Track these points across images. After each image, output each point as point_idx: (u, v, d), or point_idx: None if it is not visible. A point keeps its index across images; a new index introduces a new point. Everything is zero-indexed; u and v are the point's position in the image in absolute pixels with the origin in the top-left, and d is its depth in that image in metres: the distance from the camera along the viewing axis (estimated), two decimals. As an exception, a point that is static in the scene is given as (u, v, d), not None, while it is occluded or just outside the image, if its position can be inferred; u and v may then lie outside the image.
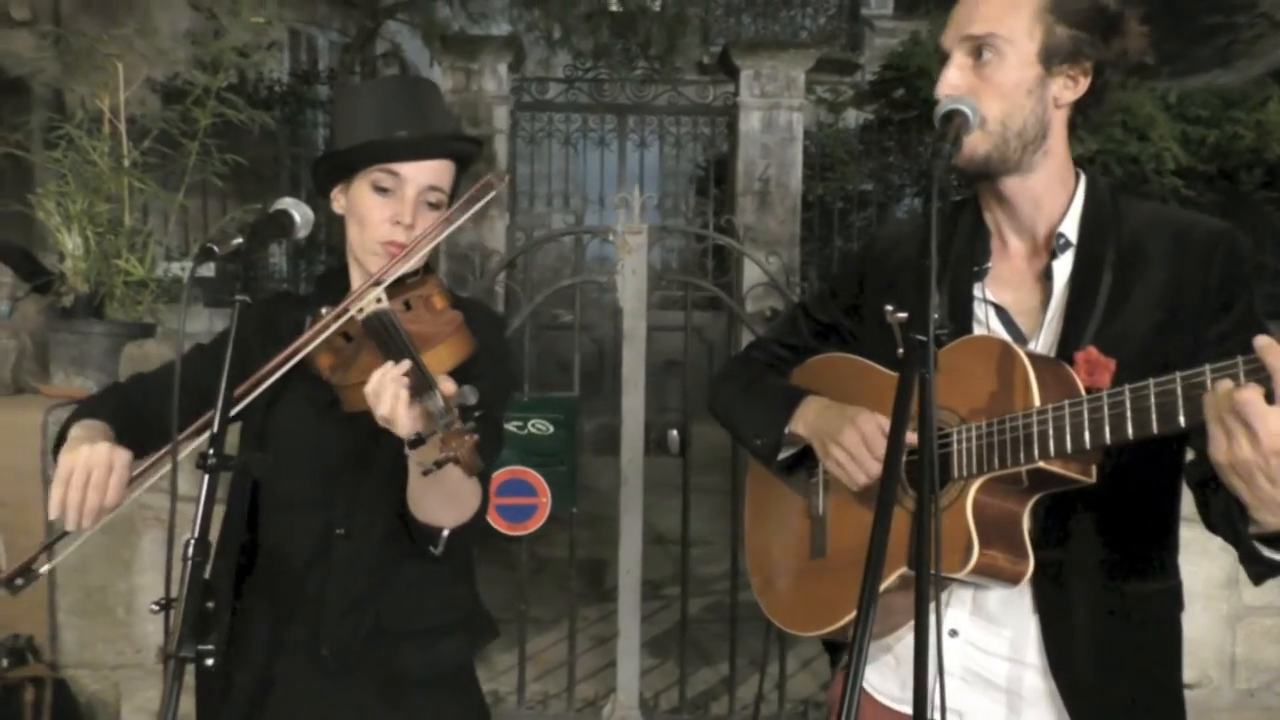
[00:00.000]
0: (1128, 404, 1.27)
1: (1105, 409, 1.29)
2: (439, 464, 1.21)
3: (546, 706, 3.50)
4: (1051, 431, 1.32)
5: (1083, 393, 1.34)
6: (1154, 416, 1.23)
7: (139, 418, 1.50)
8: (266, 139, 7.67)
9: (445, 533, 1.41)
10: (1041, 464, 1.33)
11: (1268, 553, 1.25)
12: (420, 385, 1.24)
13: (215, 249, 1.34)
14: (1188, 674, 3.02)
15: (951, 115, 1.40)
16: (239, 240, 1.37)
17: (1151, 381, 1.23)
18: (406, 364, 1.26)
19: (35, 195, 3.33)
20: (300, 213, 1.50)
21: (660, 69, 8.63)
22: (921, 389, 1.25)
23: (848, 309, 1.71)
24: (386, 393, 1.24)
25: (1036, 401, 1.34)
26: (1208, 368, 1.19)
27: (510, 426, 3.15)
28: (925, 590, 1.21)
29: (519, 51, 8.24)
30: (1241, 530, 1.26)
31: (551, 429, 3.15)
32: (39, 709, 3.00)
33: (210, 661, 1.19)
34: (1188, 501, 1.49)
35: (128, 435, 1.44)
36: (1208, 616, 3.10)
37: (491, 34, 8.45)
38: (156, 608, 1.24)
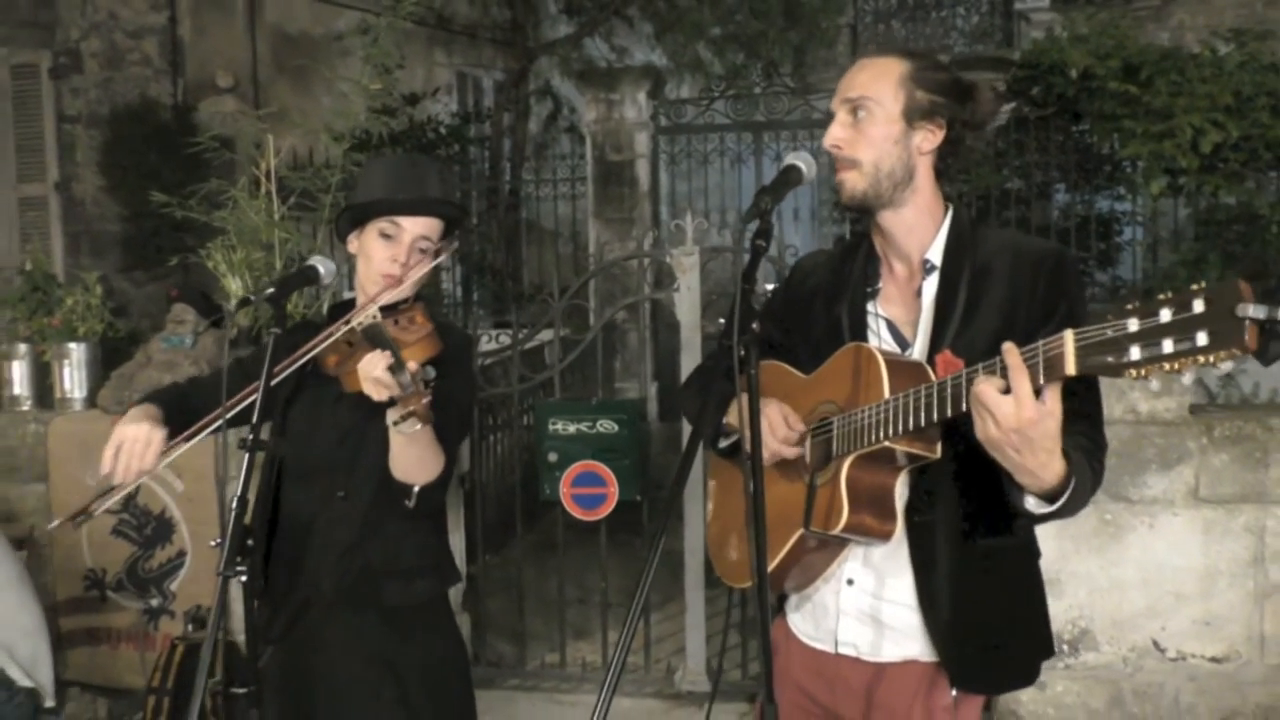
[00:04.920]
0: (935, 394, 1.62)
1: (921, 398, 1.63)
2: (404, 417, 1.73)
3: (629, 672, 3.97)
4: (892, 415, 1.67)
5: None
6: (948, 403, 1.55)
7: (187, 406, 2.06)
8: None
9: (416, 489, 1.92)
10: (887, 442, 1.68)
11: (1032, 505, 1.57)
12: (396, 365, 1.75)
13: (251, 298, 1.90)
14: (1215, 649, 3.22)
15: (788, 170, 1.79)
16: (270, 290, 1.92)
17: (954, 376, 1.56)
18: (388, 352, 1.77)
19: (206, 248, 4.10)
20: (325, 266, 2.05)
21: (793, 85, 8.93)
22: (748, 386, 1.65)
23: (777, 323, 2.09)
24: (373, 367, 1.76)
25: (886, 393, 1.70)
26: (966, 370, 1.54)
27: (581, 426, 3.66)
28: (762, 542, 1.61)
29: (657, 79, 8.73)
30: (1010, 490, 1.59)
31: (617, 428, 3.64)
32: (213, 664, 3.71)
33: (245, 579, 1.75)
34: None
35: (175, 418, 2.01)
36: (1233, 593, 3.23)
37: (629, 65, 8.99)
38: (213, 544, 1.81)
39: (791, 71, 8.82)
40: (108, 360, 4.39)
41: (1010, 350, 1.43)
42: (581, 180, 8.85)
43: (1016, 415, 1.42)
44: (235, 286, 4.00)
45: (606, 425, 3.62)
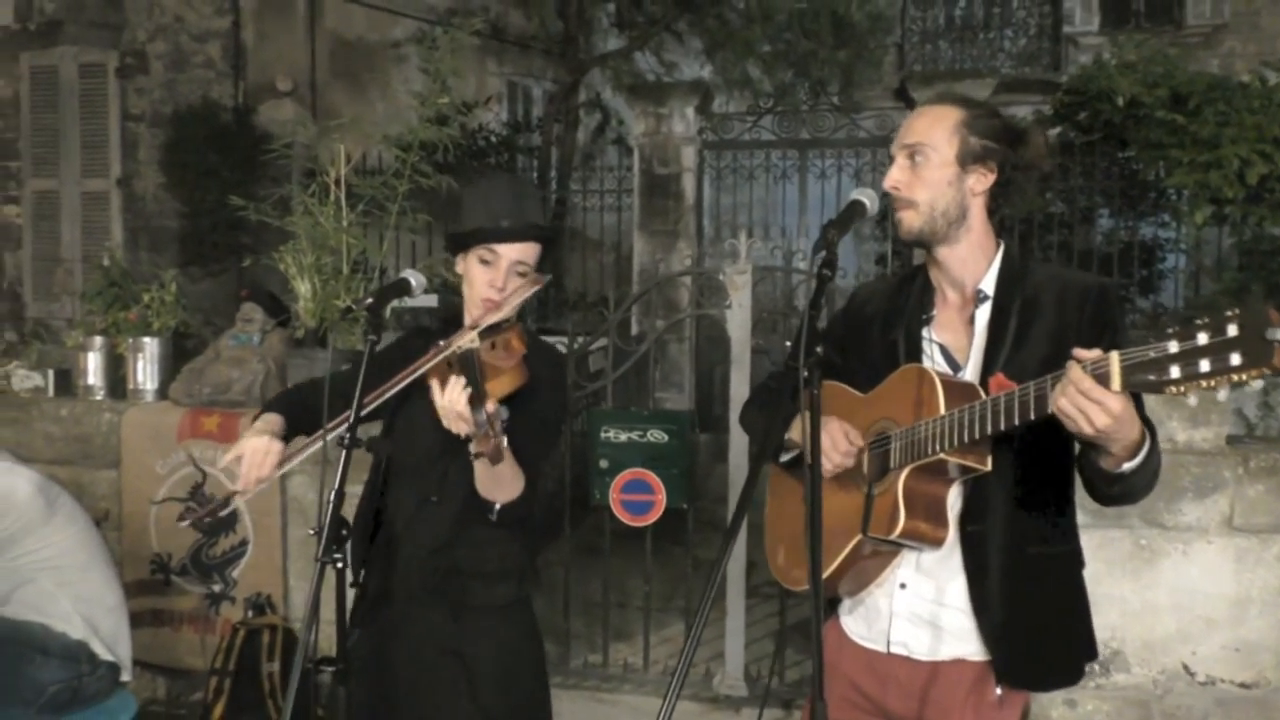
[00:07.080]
0: (988, 409, 1.76)
1: (976, 413, 1.77)
2: (475, 455, 1.86)
3: (669, 674, 4.10)
4: (948, 430, 1.81)
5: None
6: (1000, 417, 1.71)
7: (307, 408, 2.22)
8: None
9: (497, 506, 2.06)
10: (942, 454, 1.82)
11: (1127, 467, 1.68)
12: (475, 400, 1.88)
13: (354, 306, 2.06)
14: (1244, 674, 3.31)
15: (854, 204, 1.93)
16: (370, 300, 2.07)
17: (1007, 393, 1.72)
18: (470, 390, 1.90)
19: (279, 252, 4.28)
20: (416, 279, 2.20)
21: (840, 104, 9.05)
22: (811, 405, 1.78)
23: (836, 346, 2.22)
24: (454, 404, 1.89)
25: (942, 410, 1.84)
26: (1019, 388, 1.69)
27: (633, 435, 3.80)
28: (818, 548, 1.74)
29: (705, 94, 8.87)
30: (1095, 465, 1.71)
31: (667, 438, 3.78)
32: (272, 649, 3.88)
33: (340, 565, 1.90)
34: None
35: (296, 420, 2.18)
36: (1264, 621, 3.31)
37: (678, 80, 9.14)
38: (311, 532, 1.97)
39: (839, 91, 8.92)
40: (176, 354, 4.59)
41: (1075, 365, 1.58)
42: (628, 192, 8.99)
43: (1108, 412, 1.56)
44: (304, 289, 4.18)
45: (657, 435, 3.77)
